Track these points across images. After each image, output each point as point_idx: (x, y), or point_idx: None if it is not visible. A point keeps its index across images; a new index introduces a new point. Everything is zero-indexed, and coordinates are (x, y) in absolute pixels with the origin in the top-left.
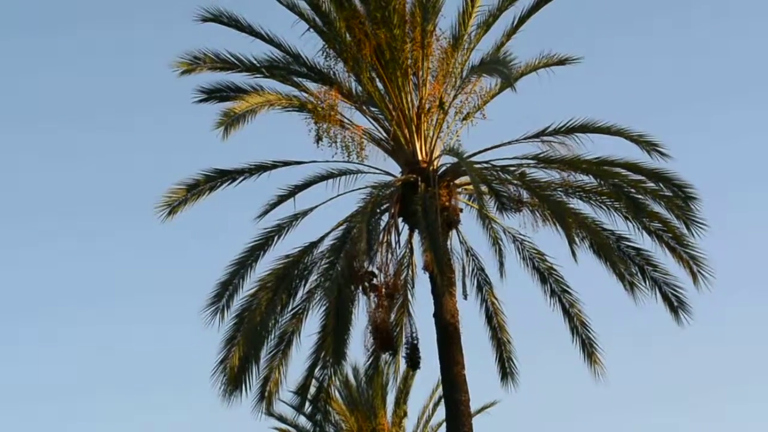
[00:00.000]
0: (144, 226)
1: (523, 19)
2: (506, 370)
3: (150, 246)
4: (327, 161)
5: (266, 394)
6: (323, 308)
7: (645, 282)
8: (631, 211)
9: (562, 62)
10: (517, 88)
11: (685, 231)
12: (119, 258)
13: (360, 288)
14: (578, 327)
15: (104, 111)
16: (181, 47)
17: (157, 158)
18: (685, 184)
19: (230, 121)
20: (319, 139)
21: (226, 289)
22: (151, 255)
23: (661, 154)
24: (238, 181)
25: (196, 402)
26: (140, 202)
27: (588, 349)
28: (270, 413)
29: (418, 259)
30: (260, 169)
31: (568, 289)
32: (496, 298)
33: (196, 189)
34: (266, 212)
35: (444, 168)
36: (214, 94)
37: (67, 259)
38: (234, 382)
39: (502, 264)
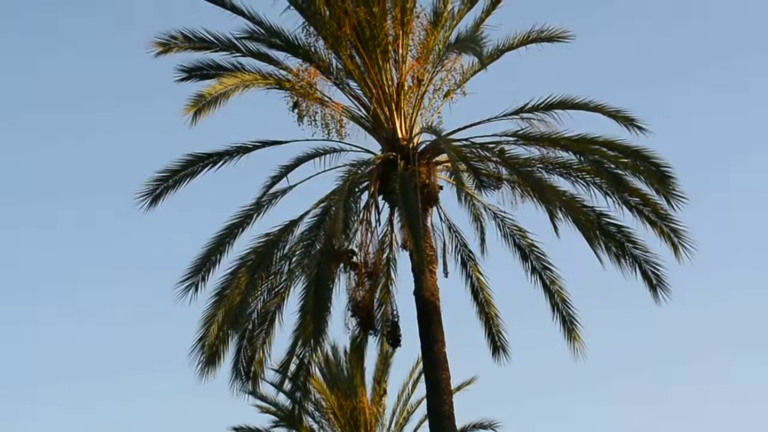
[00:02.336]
0: (120, 207)
1: None
2: (497, 343)
3: (132, 227)
4: (307, 140)
5: (251, 374)
6: (303, 287)
7: (625, 258)
8: (611, 187)
9: (551, 38)
10: (503, 64)
11: (665, 205)
12: (99, 239)
13: (340, 267)
14: (559, 304)
15: (81, 91)
16: (160, 23)
17: (139, 140)
18: (662, 163)
19: (199, 107)
20: (300, 117)
21: (203, 265)
22: (133, 236)
23: (639, 128)
24: (218, 165)
25: (173, 382)
26: (118, 182)
27: (568, 325)
28: (253, 392)
29: (399, 237)
30: (241, 151)
31: (549, 265)
32: (481, 274)
33: (176, 176)
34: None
35: (424, 145)
36: (195, 73)
37: (47, 241)
38: (213, 359)
39: (483, 240)
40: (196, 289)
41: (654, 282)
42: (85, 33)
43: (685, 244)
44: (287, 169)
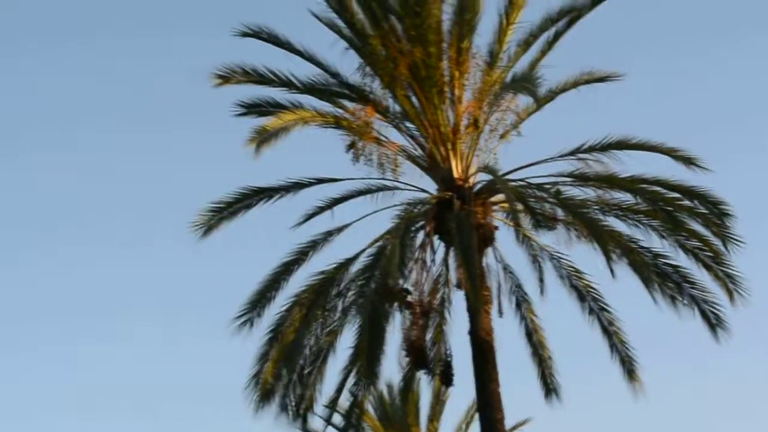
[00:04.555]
0: (174, 240)
1: (557, 36)
2: (549, 386)
3: (183, 261)
4: (363, 179)
5: (303, 410)
6: (357, 325)
7: (683, 300)
8: (668, 229)
9: (602, 79)
10: (557, 105)
11: (722, 248)
12: (150, 272)
13: (394, 305)
14: (617, 345)
15: (140, 122)
16: (219, 61)
17: (193, 172)
18: (720, 201)
19: (262, 139)
20: (356, 157)
21: (259, 302)
22: (183, 270)
23: (699, 167)
24: (274, 199)
25: (225, 418)
26: (172, 215)
27: (627, 366)
28: (305, 429)
29: (454, 276)
30: (296, 186)
31: (606, 307)
32: (535, 315)
33: (231, 208)
34: (303, 221)
35: (480, 185)
36: (253, 109)
37: (102, 269)
38: (267, 396)
39: (542, 281)
40: (252, 326)
41: (713, 322)
42: (142, 60)
43: (740, 290)
44: (335, 202)
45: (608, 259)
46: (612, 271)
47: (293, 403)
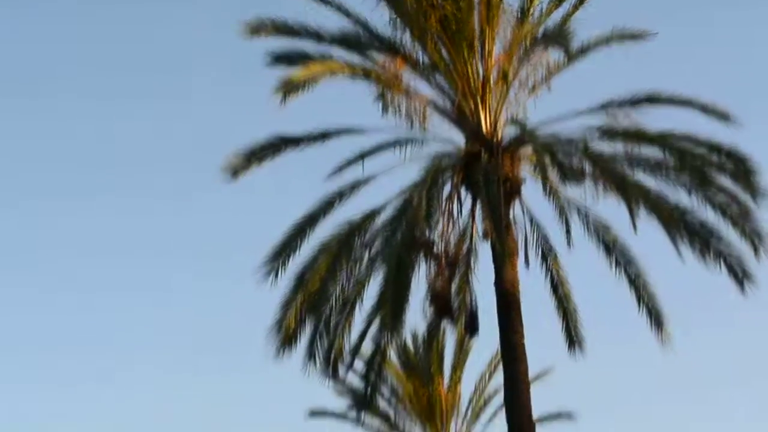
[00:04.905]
0: (202, 188)
1: None
2: (573, 338)
3: (210, 207)
4: (391, 130)
5: (331, 360)
6: (382, 274)
7: (709, 254)
8: (695, 184)
9: (634, 37)
10: (587, 61)
11: (751, 204)
12: (176, 217)
13: (420, 256)
14: (644, 297)
15: (168, 70)
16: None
17: (220, 122)
18: (746, 157)
19: (288, 89)
20: (385, 108)
21: (284, 250)
22: (210, 216)
23: (731, 121)
24: (301, 146)
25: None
26: (199, 163)
27: (655, 317)
28: (334, 378)
29: (480, 228)
30: (324, 136)
31: (633, 259)
32: (560, 268)
33: (260, 153)
34: (334, 173)
35: (508, 139)
36: (283, 59)
37: (125, 215)
38: (290, 342)
39: (569, 233)
40: (277, 274)
41: (740, 276)
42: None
43: (766, 247)
44: (365, 154)
45: (632, 213)
46: (635, 225)
47: (322, 353)
